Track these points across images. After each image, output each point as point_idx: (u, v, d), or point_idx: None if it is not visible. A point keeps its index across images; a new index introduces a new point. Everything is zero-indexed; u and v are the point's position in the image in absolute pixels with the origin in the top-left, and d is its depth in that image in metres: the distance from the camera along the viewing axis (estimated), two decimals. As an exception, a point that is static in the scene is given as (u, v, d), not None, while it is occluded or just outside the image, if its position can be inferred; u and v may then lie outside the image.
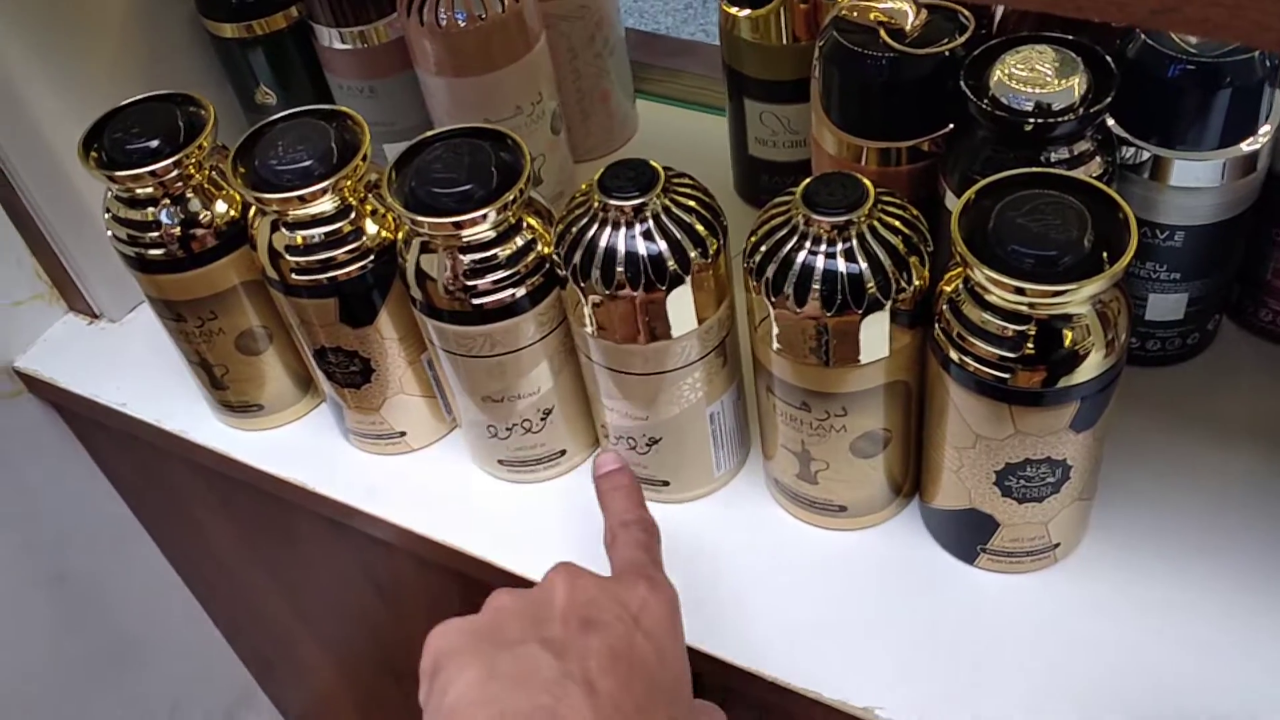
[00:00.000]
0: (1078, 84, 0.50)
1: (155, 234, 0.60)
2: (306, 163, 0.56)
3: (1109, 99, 0.50)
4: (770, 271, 0.48)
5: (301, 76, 0.74)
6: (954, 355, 0.48)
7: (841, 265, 0.47)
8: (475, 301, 0.54)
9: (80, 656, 0.95)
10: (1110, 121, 0.54)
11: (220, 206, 0.60)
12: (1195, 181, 0.54)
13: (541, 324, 0.56)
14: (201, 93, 0.62)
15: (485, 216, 0.52)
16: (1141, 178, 0.55)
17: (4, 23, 0.66)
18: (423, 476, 0.66)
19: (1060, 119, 0.50)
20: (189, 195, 0.60)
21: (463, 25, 0.65)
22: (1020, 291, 0.44)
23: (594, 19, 0.75)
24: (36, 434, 0.83)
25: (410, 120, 0.73)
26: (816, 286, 0.47)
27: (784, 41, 0.65)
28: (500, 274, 0.53)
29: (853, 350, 0.49)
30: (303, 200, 0.55)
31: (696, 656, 0.56)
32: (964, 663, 0.53)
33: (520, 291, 0.54)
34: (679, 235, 0.50)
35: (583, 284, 0.51)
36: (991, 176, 0.48)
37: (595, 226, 0.51)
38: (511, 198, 0.52)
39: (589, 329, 0.53)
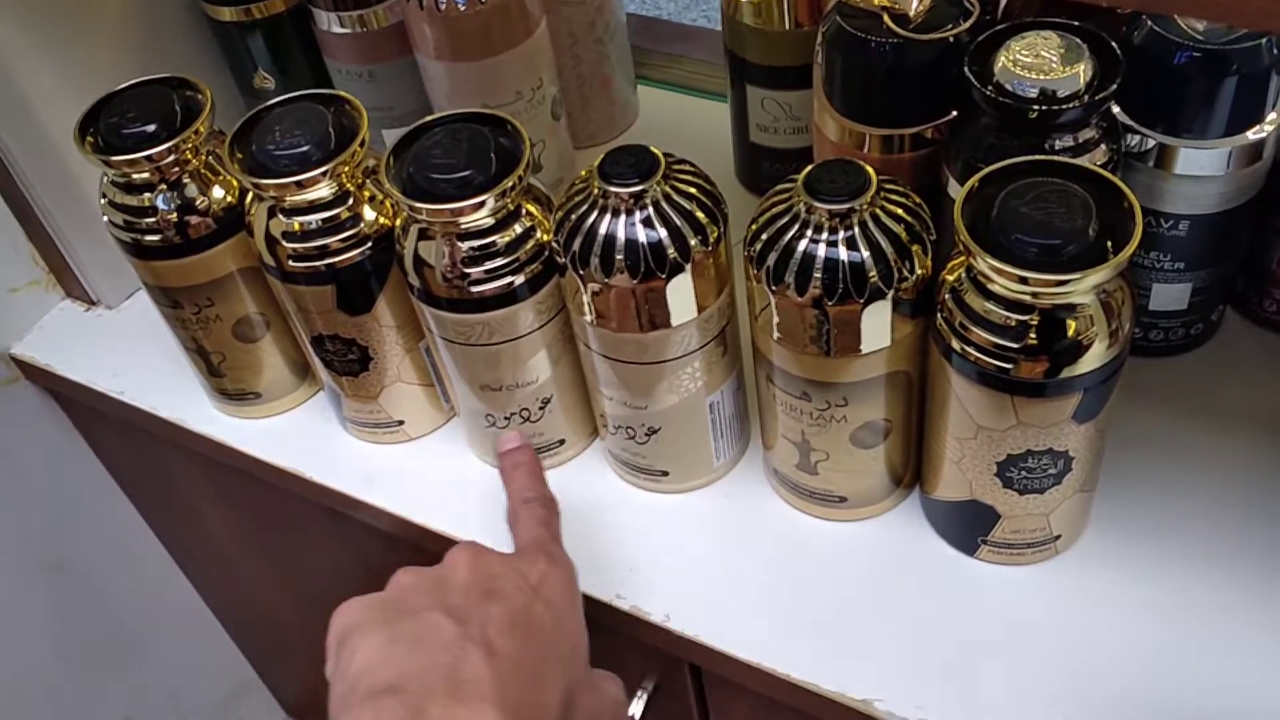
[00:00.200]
0: (1083, 71, 0.49)
1: (152, 220, 0.59)
2: (304, 148, 0.55)
3: (1114, 86, 0.49)
4: (771, 260, 0.48)
5: (300, 61, 0.74)
6: (956, 345, 0.47)
7: (843, 253, 0.47)
8: (473, 289, 0.53)
9: (77, 645, 0.95)
10: (1115, 109, 0.53)
11: (217, 192, 0.60)
12: (1200, 170, 0.54)
13: (540, 312, 0.55)
14: (199, 77, 0.61)
15: (484, 203, 0.51)
16: (1146, 166, 0.54)
17: (1, 5, 0.65)
18: (421, 466, 0.65)
19: (1065, 106, 0.49)
20: (186, 181, 0.59)
21: (462, 9, 0.64)
22: (1024, 281, 0.43)
23: (595, 4, 0.74)
24: (33, 421, 0.83)
25: (409, 105, 0.73)
26: (818, 275, 0.47)
27: (787, 27, 0.65)
28: (499, 261, 0.53)
29: (854, 339, 0.49)
30: (300, 186, 0.54)
31: (695, 648, 0.56)
32: (963, 655, 0.53)
33: (519, 279, 0.53)
34: (679, 223, 0.50)
35: (582, 272, 0.51)
36: (995, 164, 0.47)
37: (595, 213, 0.50)
38: (510, 184, 0.52)
39: (588, 317, 0.53)
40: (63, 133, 0.65)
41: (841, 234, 0.47)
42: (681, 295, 0.51)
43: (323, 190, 0.55)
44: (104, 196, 0.61)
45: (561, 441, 0.62)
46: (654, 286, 0.50)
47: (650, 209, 0.49)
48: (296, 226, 0.56)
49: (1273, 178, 0.56)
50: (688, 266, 0.50)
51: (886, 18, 0.53)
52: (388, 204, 0.57)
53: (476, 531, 0.61)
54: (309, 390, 0.70)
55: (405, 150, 0.54)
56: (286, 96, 0.59)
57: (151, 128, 0.58)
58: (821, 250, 0.47)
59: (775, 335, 0.50)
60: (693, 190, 0.51)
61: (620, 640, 0.58)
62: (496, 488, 0.63)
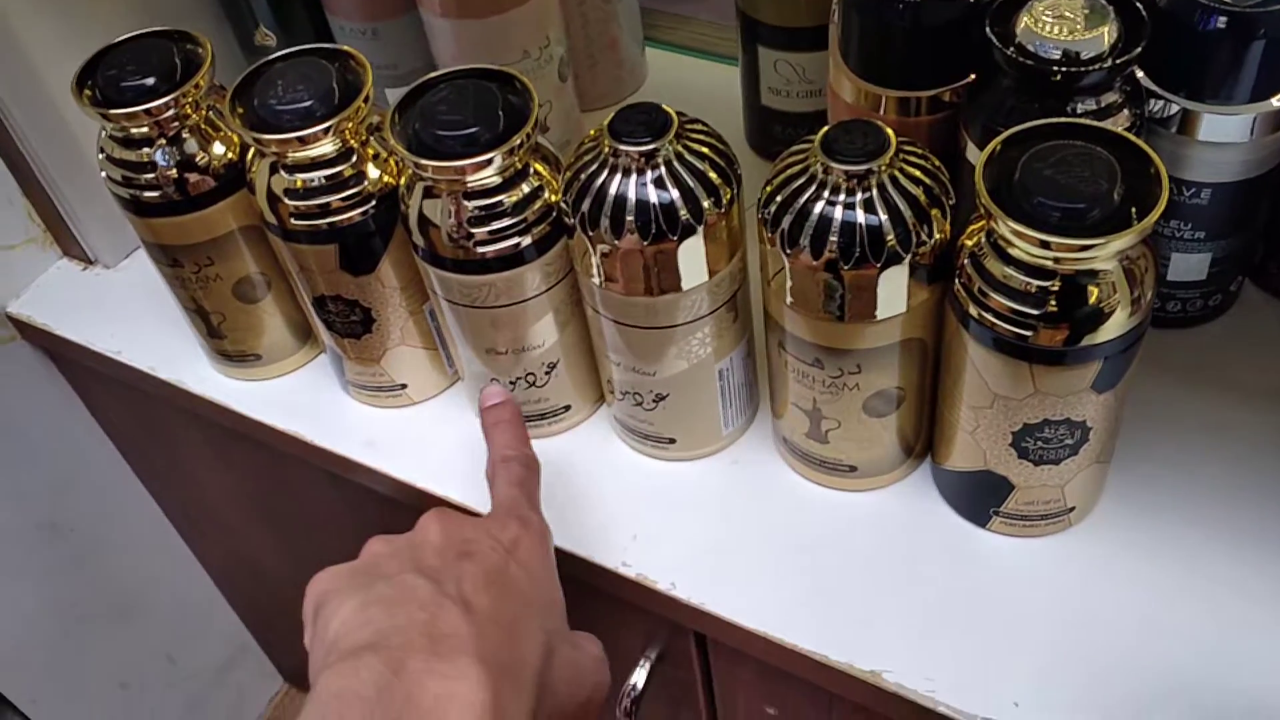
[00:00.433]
0: (1107, 33, 0.48)
1: (150, 175, 0.58)
2: (307, 103, 0.54)
3: (1139, 49, 0.48)
4: (786, 222, 0.47)
5: (302, 17, 0.72)
6: (974, 311, 0.46)
7: (860, 216, 0.46)
8: (479, 250, 0.52)
9: (73, 606, 0.94)
10: (1139, 73, 0.52)
11: (218, 148, 0.59)
12: (1224, 137, 0.52)
13: (547, 275, 0.54)
14: (199, 33, 0.60)
15: (491, 161, 0.50)
16: (1169, 132, 0.53)
17: (-5, -45, 0.64)
18: (423, 430, 0.65)
19: (1089, 69, 0.48)
20: (185, 136, 0.58)
21: (469, -35, 0.63)
22: (1046, 245, 0.42)
23: (604, -37, 0.73)
24: (30, 381, 0.82)
25: (413, 64, 0.71)
26: (834, 238, 0.46)
27: (801, -14, 0.64)
28: (506, 221, 0.52)
29: (869, 305, 0.48)
30: (302, 142, 0.53)
31: (701, 616, 0.55)
32: (972, 626, 0.52)
33: (526, 240, 0.52)
34: (691, 183, 0.48)
35: (590, 233, 0.50)
36: (1018, 126, 0.46)
37: (605, 173, 0.49)
38: (519, 141, 0.50)
39: (596, 280, 0.52)
40: (60, 85, 0.63)
41: (859, 196, 0.46)
42: (693, 258, 0.50)
43: (326, 147, 0.54)
44: (102, 151, 0.60)
45: (567, 407, 0.61)
46: (665, 249, 0.49)
47: (662, 168, 0.48)
48: (299, 184, 0.55)
49: (1296, 146, 0.54)
50: (700, 228, 0.49)
51: (906, -24, 0.52)
52: (392, 162, 0.56)
53: (478, 496, 0.60)
54: (310, 352, 0.69)
55: (410, 106, 0.53)
56: (289, 50, 0.57)
57: (151, 81, 0.57)
58: (838, 213, 0.46)
59: (788, 300, 0.49)
60: (705, 150, 0.49)
61: (625, 608, 0.58)
62: (501, 453, 0.62)
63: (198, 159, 0.58)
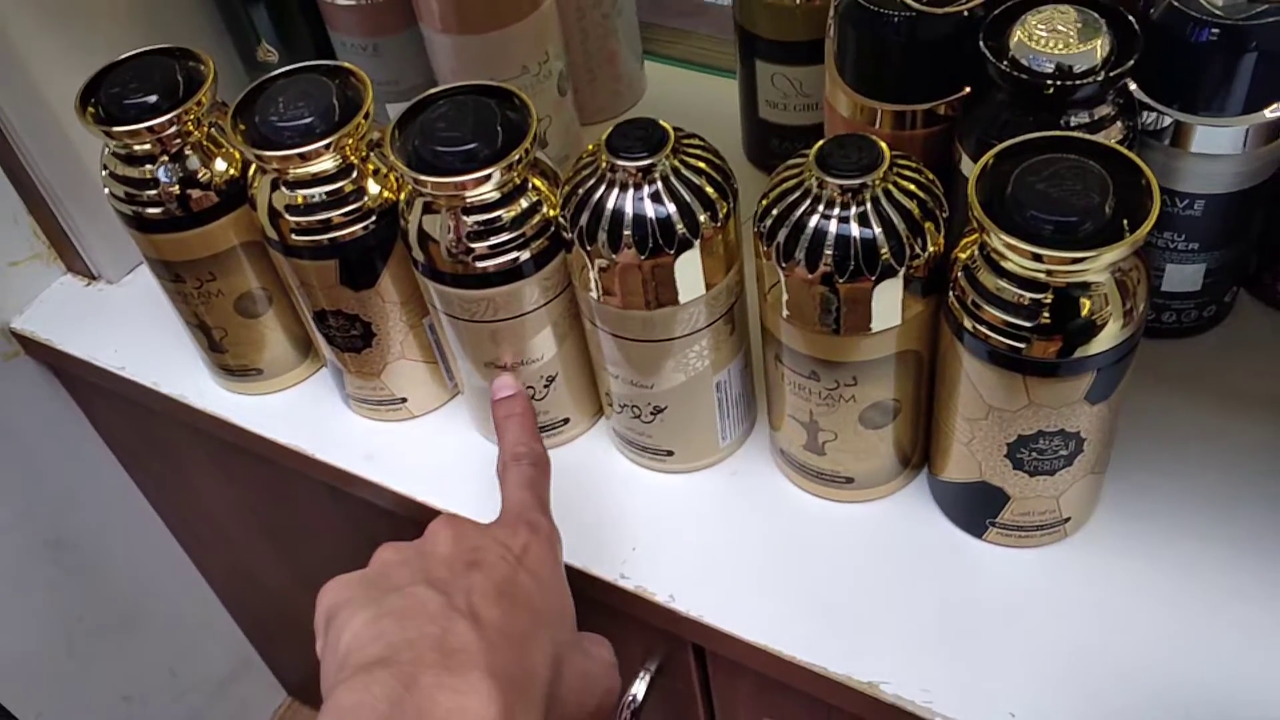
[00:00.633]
0: (1100, 46, 0.48)
1: (153, 192, 0.59)
2: (308, 120, 0.54)
3: (1132, 62, 0.48)
4: (781, 236, 0.47)
5: (304, 33, 0.73)
6: (968, 323, 0.46)
7: (855, 230, 0.46)
8: (478, 264, 0.53)
9: (77, 620, 0.95)
10: (1132, 85, 0.53)
11: (219, 164, 0.59)
12: (1217, 149, 0.53)
13: (546, 289, 0.55)
14: (202, 50, 0.61)
15: (489, 176, 0.51)
16: (1162, 144, 0.53)
17: (0, -26, 0.65)
18: (423, 443, 0.65)
19: (1082, 82, 0.48)
20: (188, 152, 0.59)
21: (468, -18, 0.63)
22: (1038, 258, 0.43)
23: (602, -22, 0.73)
24: (33, 396, 0.82)
25: (414, 79, 0.72)
26: (829, 251, 0.46)
27: (798, 1, 0.64)
28: (504, 236, 0.52)
29: (864, 318, 0.48)
30: (303, 158, 0.54)
31: (700, 628, 0.55)
32: (970, 637, 0.52)
33: (524, 255, 0.53)
34: (688, 198, 0.49)
35: (588, 247, 0.50)
36: (1011, 140, 0.47)
37: (602, 188, 0.49)
38: (517, 157, 0.51)
39: (594, 294, 0.52)
40: (63, 103, 0.64)
41: (853, 210, 0.46)
42: (689, 272, 0.50)
43: (326, 163, 0.54)
44: (105, 168, 0.60)
45: (566, 420, 0.61)
46: (661, 263, 0.49)
47: (659, 183, 0.49)
48: (299, 200, 0.55)
49: (1290, 157, 0.55)
50: (696, 242, 0.49)
51: (900, -9, 0.53)
52: (392, 177, 0.56)
53: (478, 509, 0.61)
54: (311, 366, 0.69)
55: (410, 123, 0.53)
56: (290, 68, 0.58)
57: (153, 98, 0.58)
58: (833, 226, 0.46)
59: (784, 313, 0.50)
60: (702, 165, 0.50)
61: (624, 620, 0.58)
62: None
63: (200, 175, 0.59)
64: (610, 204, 0.49)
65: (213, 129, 0.59)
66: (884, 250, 0.46)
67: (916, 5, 0.52)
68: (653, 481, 0.61)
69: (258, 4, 0.71)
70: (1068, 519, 0.54)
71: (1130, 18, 0.50)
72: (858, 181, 0.46)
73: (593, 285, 0.52)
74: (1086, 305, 0.44)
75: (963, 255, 0.47)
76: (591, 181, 0.50)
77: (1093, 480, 0.52)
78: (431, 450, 0.64)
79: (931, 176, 0.48)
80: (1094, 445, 0.50)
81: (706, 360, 0.54)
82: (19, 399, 0.81)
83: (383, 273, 0.58)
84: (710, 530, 0.58)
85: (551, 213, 0.53)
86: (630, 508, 0.60)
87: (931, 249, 0.47)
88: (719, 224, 0.50)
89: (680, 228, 0.49)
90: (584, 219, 0.50)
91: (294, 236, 0.56)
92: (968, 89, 0.54)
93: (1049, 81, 0.48)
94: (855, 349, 0.49)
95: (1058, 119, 0.49)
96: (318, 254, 0.56)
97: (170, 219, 0.59)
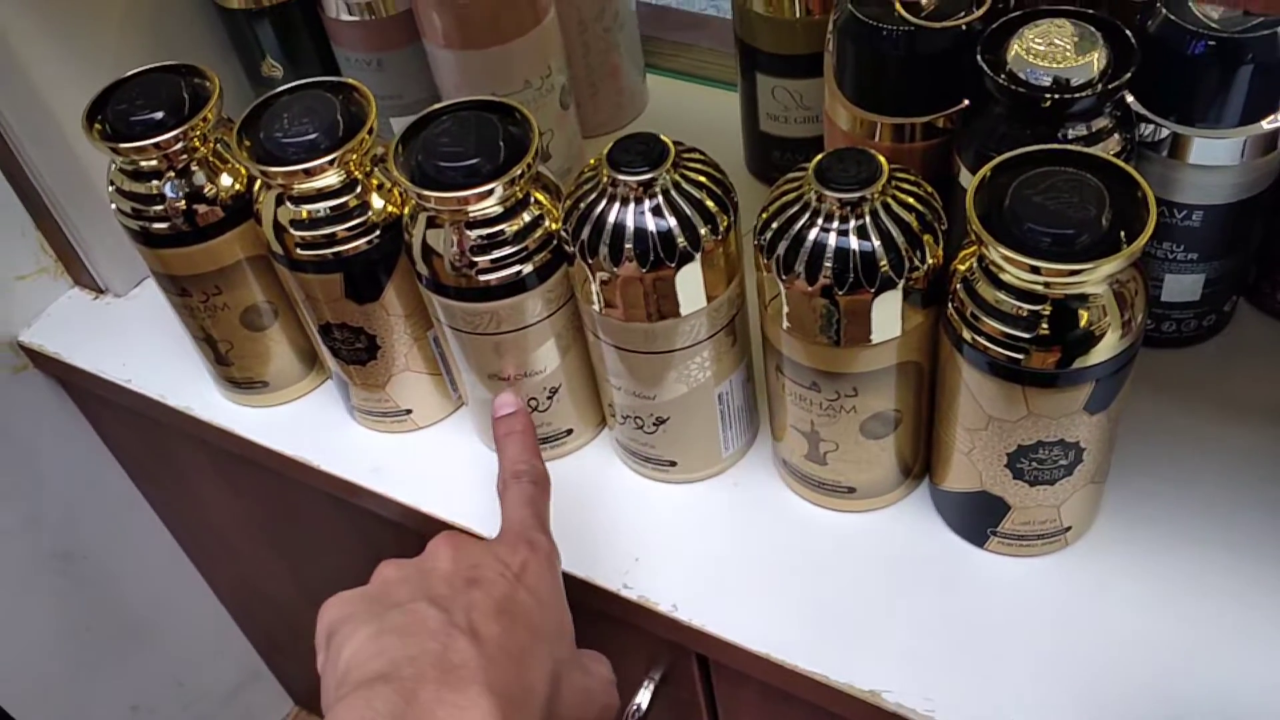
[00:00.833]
0: (1097, 59, 0.49)
1: (159, 207, 0.59)
2: (312, 135, 0.55)
3: (1129, 75, 0.49)
4: (781, 249, 0.48)
5: (308, 49, 0.73)
6: (967, 335, 0.47)
7: (854, 243, 0.46)
8: (482, 278, 0.53)
9: (85, 633, 0.95)
10: (1129, 98, 0.53)
11: (225, 180, 0.60)
12: (1215, 160, 0.53)
13: (548, 301, 0.55)
14: (207, 65, 0.61)
15: (492, 191, 0.51)
16: (1160, 156, 0.54)
17: (8, -8, 0.65)
18: (428, 455, 0.65)
19: (1079, 95, 0.49)
20: (194, 168, 0.59)
21: (471, -3, 0.64)
22: (1036, 270, 0.43)
23: (604, -8, 0.74)
24: (41, 409, 0.83)
25: (418, 94, 0.72)
26: (828, 264, 0.47)
27: (798, 15, 0.64)
28: (507, 250, 0.53)
29: (864, 329, 0.48)
30: (308, 174, 0.54)
31: (703, 638, 0.55)
32: (972, 646, 0.53)
33: (527, 268, 0.53)
34: (689, 211, 0.49)
35: (590, 261, 0.50)
36: (1008, 153, 0.47)
37: (604, 202, 0.50)
38: (519, 172, 0.51)
39: (596, 306, 0.53)
40: (71, 120, 0.65)
41: (852, 223, 0.47)
42: (691, 284, 0.51)
43: (331, 178, 0.55)
44: (112, 184, 0.61)
45: (569, 431, 0.62)
46: (663, 275, 0.50)
47: (660, 197, 0.49)
48: (304, 214, 0.56)
49: (1287, 168, 0.55)
50: (697, 255, 0.50)
51: (899, 5, 0.53)
52: (396, 192, 0.57)
53: (484, 520, 0.61)
54: (317, 379, 0.70)
55: (413, 138, 0.54)
56: (295, 84, 0.58)
57: (159, 115, 0.58)
58: (832, 239, 0.47)
59: (785, 325, 0.50)
60: (703, 179, 0.50)
61: (627, 630, 0.58)
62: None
63: (206, 191, 0.59)
64: (612, 218, 0.49)
65: (218, 145, 0.60)
66: (883, 263, 0.46)
67: (914, 19, 0.53)
68: (655, 492, 0.61)
69: (262, 20, 0.72)
70: (1069, 528, 0.54)
71: (1127, 31, 0.50)
72: (856, 195, 0.46)
73: (595, 298, 0.52)
74: (1084, 317, 0.45)
75: (961, 267, 0.47)
76: (593, 196, 0.50)
77: (1093, 489, 0.53)
78: (437, 461, 0.65)
79: (930, 189, 0.49)
80: (1094, 455, 0.50)
81: (708, 371, 0.55)
82: (27, 412, 0.82)
83: (387, 286, 0.58)
84: (713, 540, 0.58)
85: (554, 226, 0.53)
86: (633, 518, 0.60)
87: (930, 261, 0.47)
88: (720, 237, 0.50)
89: (681, 241, 0.49)
90: (586, 232, 0.50)
91: (299, 251, 0.56)
92: (966, 102, 0.54)
93: (1046, 95, 0.49)
94: (855, 360, 0.50)
95: (1055, 132, 0.50)
96: (322, 268, 0.57)
97: (176, 234, 0.60)
